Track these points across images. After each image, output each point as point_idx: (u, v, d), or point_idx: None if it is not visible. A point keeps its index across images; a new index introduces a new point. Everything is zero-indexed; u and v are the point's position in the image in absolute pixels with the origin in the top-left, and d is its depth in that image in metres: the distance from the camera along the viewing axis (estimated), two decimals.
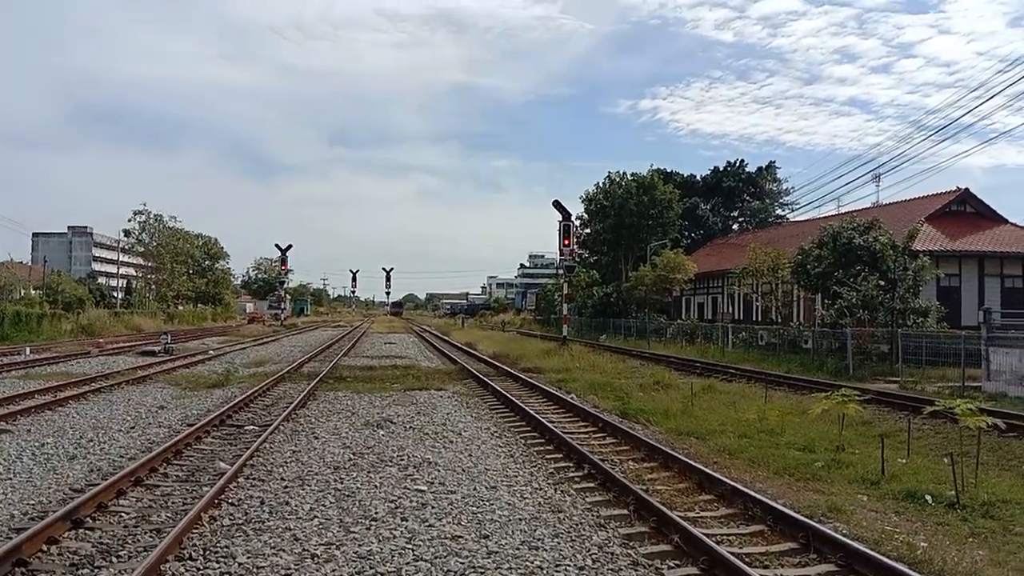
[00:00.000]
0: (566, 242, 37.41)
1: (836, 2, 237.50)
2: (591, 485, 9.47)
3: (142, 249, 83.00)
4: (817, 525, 7.33)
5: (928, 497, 9.05)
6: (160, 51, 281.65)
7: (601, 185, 65.54)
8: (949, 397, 12.05)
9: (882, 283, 27.12)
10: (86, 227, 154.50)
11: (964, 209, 40.02)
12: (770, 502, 8.10)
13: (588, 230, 67.45)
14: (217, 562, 6.39)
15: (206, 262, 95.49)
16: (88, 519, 7.46)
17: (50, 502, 8.22)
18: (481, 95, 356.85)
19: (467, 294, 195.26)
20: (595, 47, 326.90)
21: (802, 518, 7.53)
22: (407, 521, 7.67)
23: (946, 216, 38.79)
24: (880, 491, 9.56)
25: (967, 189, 40.53)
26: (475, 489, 9.10)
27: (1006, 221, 39.41)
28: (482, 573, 6.26)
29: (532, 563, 6.51)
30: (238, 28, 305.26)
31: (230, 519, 7.65)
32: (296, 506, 8.17)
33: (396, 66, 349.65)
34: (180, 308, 75.41)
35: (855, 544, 6.71)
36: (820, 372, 24.94)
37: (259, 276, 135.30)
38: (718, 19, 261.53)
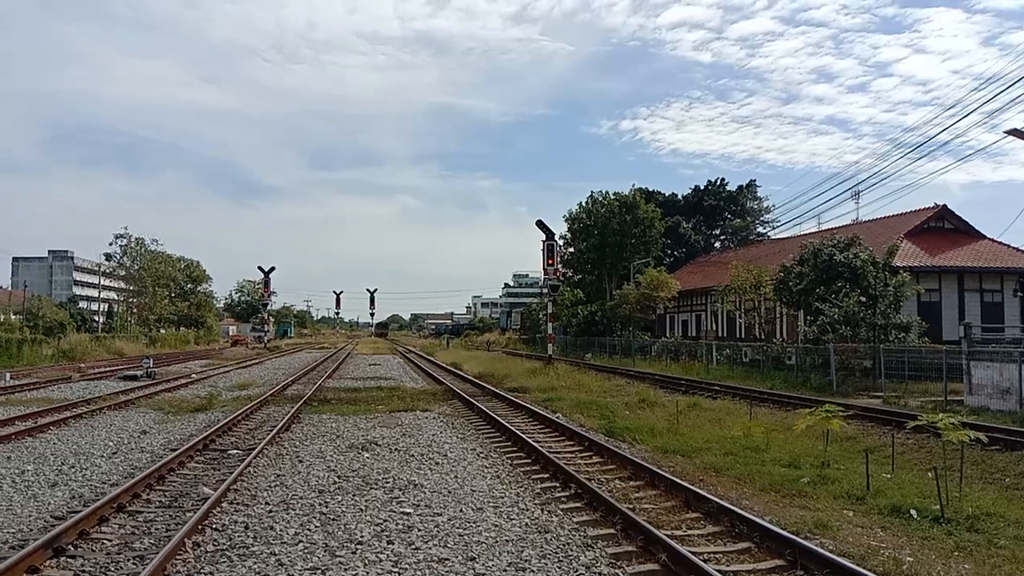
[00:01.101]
0: (550, 261, 37.47)
1: (813, 23, 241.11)
2: (578, 505, 9.45)
3: (123, 273, 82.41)
4: (803, 542, 7.34)
5: (913, 512, 9.09)
6: (140, 75, 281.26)
7: (584, 204, 65.93)
8: (932, 411, 12.13)
9: (863, 299, 27.31)
10: (67, 251, 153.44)
11: (943, 225, 40.48)
12: (756, 519, 8.11)
13: (572, 249, 67.71)
14: None
15: (188, 285, 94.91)
16: (70, 547, 7.36)
17: (31, 530, 8.11)
18: (462, 116, 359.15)
19: (452, 314, 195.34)
20: (575, 68, 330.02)
21: (788, 535, 7.54)
22: (393, 544, 7.62)
23: (925, 232, 39.23)
24: (865, 506, 9.59)
25: (945, 206, 41.07)
26: (461, 511, 9.06)
27: (984, 236, 39.87)
28: None
29: None
30: (218, 51, 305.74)
31: (214, 545, 7.57)
32: (281, 531, 8.10)
33: (377, 88, 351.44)
34: (162, 332, 74.78)
35: (841, 560, 6.73)
36: (804, 388, 25.04)
37: (242, 299, 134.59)
38: (696, 40, 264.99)
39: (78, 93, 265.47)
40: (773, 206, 74.26)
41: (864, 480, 10.54)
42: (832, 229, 41.41)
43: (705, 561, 6.90)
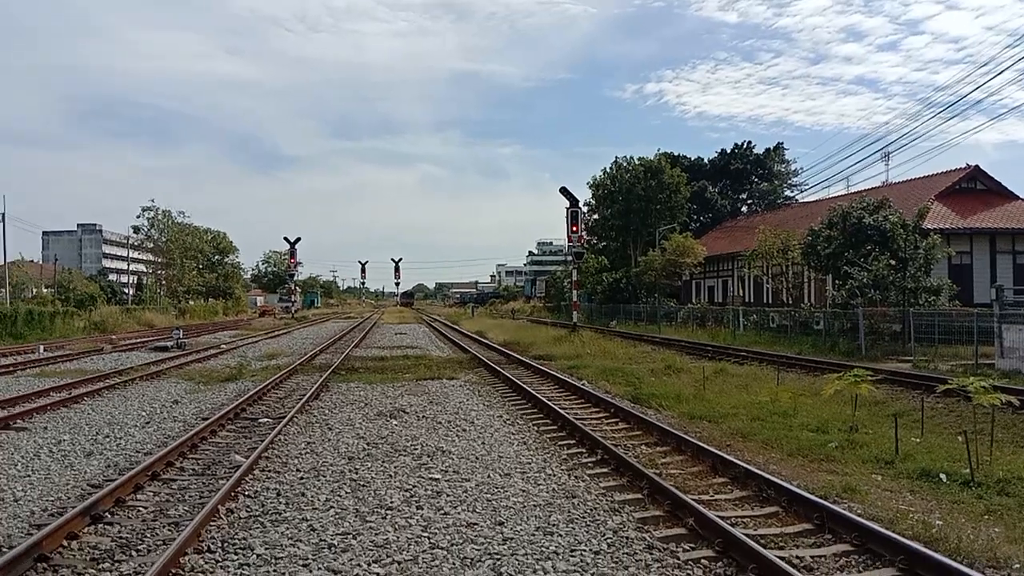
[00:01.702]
0: (574, 228, 37.37)
1: None
2: (604, 470, 9.49)
3: (151, 245, 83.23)
4: (831, 506, 7.33)
5: (943, 475, 9.04)
6: (163, 47, 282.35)
7: (608, 170, 65.40)
8: (962, 375, 12.04)
9: (893, 262, 26.99)
10: (95, 224, 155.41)
11: (975, 186, 39.77)
12: (784, 483, 8.10)
13: (596, 216, 67.37)
14: (235, 554, 6.44)
15: (216, 257, 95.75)
16: (107, 514, 7.53)
17: (68, 498, 8.29)
18: (484, 82, 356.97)
19: (476, 283, 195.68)
20: (599, 31, 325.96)
21: (816, 499, 7.53)
22: (422, 509, 7.71)
23: (956, 194, 38.56)
24: (894, 470, 9.55)
25: (977, 166, 40.29)
26: (489, 476, 9.14)
27: (1018, 197, 39.15)
28: (498, 559, 6.29)
29: (548, 548, 6.54)
30: (241, 21, 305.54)
31: (247, 511, 7.71)
32: (312, 497, 8.22)
33: (398, 55, 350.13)
34: (191, 303, 75.60)
35: (870, 524, 6.71)
36: (832, 353, 24.87)
37: (268, 269, 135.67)
38: (722, 0, 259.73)
39: (103, 68, 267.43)
40: (801, 169, 73.91)
41: (893, 444, 10.47)
42: (861, 192, 40.90)
43: (732, 525, 6.91)
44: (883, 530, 6.52)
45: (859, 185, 58.57)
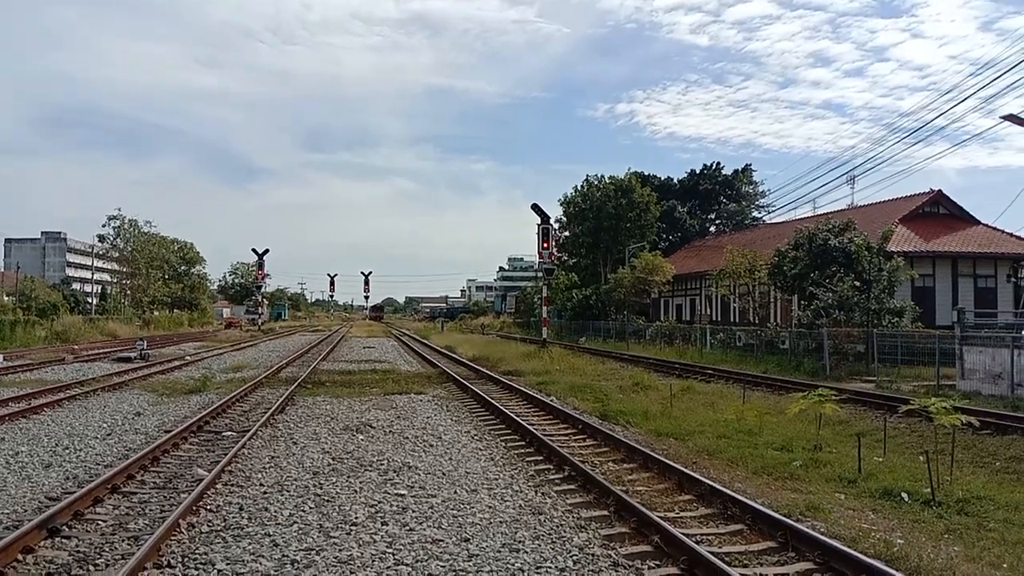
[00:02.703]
0: (545, 245, 37.42)
1: (810, 6, 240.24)
2: (571, 487, 9.49)
3: (117, 254, 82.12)
4: (795, 524, 7.39)
5: (904, 495, 9.16)
6: (136, 58, 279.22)
7: (579, 188, 65.87)
8: (924, 396, 12.19)
9: (857, 284, 27.38)
10: (60, 233, 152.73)
11: (937, 210, 40.51)
12: (749, 501, 8.15)
13: (567, 233, 67.66)
14: (196, 569, 6.34)
15: (182, 267, 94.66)
16: (64, 527, 7.37)
17: (25, 511, 8.11)
18: (457, 98, 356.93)
19: (446, 297, 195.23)
20: (572, 50, 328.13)
21: (780, 517, 7.59)
22: (387, 525, 7.65)
23: (920, 217, 39.26)
24: (857, 489, 9.65)
25: (940, 191, 41.05)
26: (455, 492, 9.09)
27: (978, 222, 39.91)
28: None
29: (513, 565, 6.51)
30: (214, 33, 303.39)
31: (208, 526, 7.59)
32: (275, 512, 8.12)
33: (372, 69, 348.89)
34: (156, 314, 74.57)
35: (832, 542, 6.77)
36: (797, 372, 25.14)
37: (236, 281, 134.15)
38: (693, 23, 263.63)
39: (74, 75, 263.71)
40: (769, 190, 74.68)
41: (856, 463, 10.60)
42: (827, 214, 41.40)
43: (697, 542, 6.95)
44: (846, 548, 6.58)
45: (825, 207, 59.41)
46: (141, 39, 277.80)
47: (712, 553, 6.58)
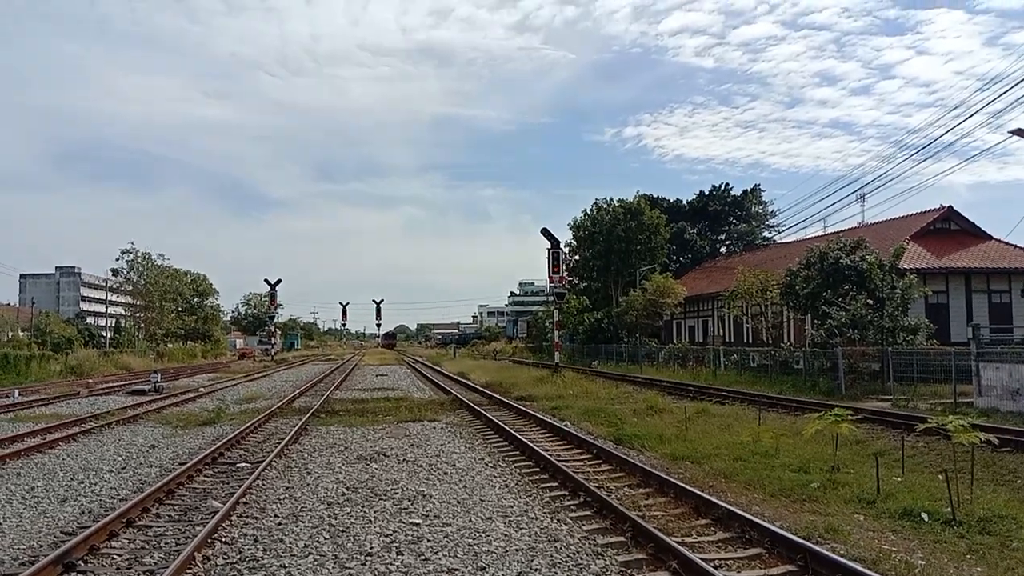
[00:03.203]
0: (555, 269, 37.49)
1: (815, 26, 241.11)
2: (587, 513, 9.42)
3: (130, 288, 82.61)
4: (815, 546, 7.31)
5: (924, 515, 9.04)
6: (146, 91, 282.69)
7: (588, 212, 65.95)
8: (941, 414, 12.10)
9: (870, 302, 27.24)
10: (73, 267, 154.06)
11: (949, 226, 40.37)
12: (767, 524, 8.08)
13: (577, 257, 67.68)
14: None
15: (195, 299, 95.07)
16: (80, 562, 7.37)
17: (41, 546, 8.12)
18: (465, 125, 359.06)
19: (458, 324, 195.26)
20: (578, 76, 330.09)
21: (799, 540, 7.51)
22: (403, 555, 7.61)
23: (931, 234, 39.13)
24: (876, 510, 9.55)
25: (951, 207, 40.93)
26: (470, 521, 9.04)
27: (990, 237, 39.75)
28: None
29: None
30: (223, 66, 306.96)
31: (224, 558, 7.57)
32: (290, 543, 8.09)
33: (380, 99, 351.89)
34: (169, 346, 74.87)
35: (853, 564, 6.69)
36: (812, 392, 24.96)
37: (248, 312, 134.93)
38: (698, 46, 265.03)
39: (85, 110, 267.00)
40: (778, 210, 74.67)
41: (874, 484, 10.49)
42: (838, 232, 41.38)
43: (716, 567, 6.88)
44: (866, 571, 6.50)
45: (836, 226, 59.51)
46: (149, 72, 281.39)
47: None
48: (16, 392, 28.57)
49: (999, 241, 39.18)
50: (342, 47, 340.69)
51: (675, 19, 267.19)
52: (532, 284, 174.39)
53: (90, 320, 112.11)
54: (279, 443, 15.17)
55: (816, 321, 30.69)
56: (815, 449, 13.45)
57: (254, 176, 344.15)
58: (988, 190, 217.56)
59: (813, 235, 50.22)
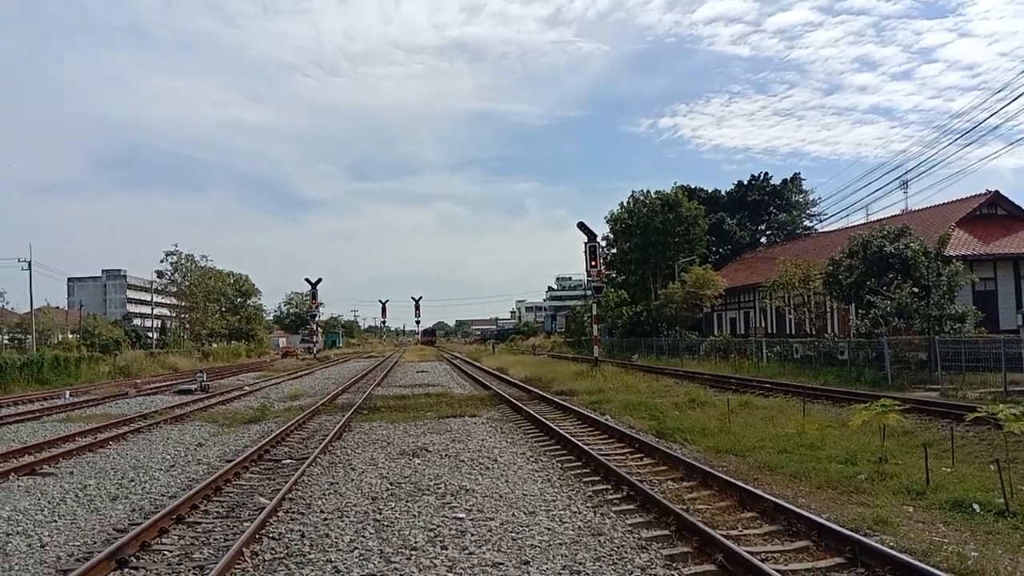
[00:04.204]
0: (592, 263, 37.34)
1: (853, 11, 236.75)
2: (631, 507, 9.39)
3: (175, 289, 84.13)
4: (863, 538, 7.21)
5: (976, 506, 8.87)
6: (185, 95, 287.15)
7: (625, 204, 65.60)
8: (991, 403, 11.84)
9: (916, 290, 26.75)
10: (120, 270, 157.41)
11: (995, 212, 39.42)
12: (814, 517, 7.98)
13: (614, 250, 67.38)
14: None
15: (238, 299, 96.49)
16: (132, 558, 7.53)
17: (94, 543, 8.31)
18: (499, 120, 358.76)
19: (496, 319, 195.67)
20: (612, 68, 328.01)
21: (848, 532, 7.41)
22: (447, 549, 7.65)
23: (977, 220, 38.25)
24: (926, 501, 9.38)
25: (997, 192, 39.93)
26: (514, 515, 9.06)
27: None
28: None
29: None
30: (259, 68, 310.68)
31: (271, 553, 7.68)
32: (336, 538, 8.18)
33: (414, 96, 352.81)
34: (214, 346, 76.18)
35: (904, 556, 6.59)
36: (858, 383, 24.58)
37: (290, 311, 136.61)
38: (734, 34, 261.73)
39: (125, 117, 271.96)
40: (819, 199, 73.62)
41: (924, 475, 10.30)
42: (881, 220, 40.62)
43: (763, 560, 6.81)
44: (918, 563, 6.39)
45: (878, 214, 58.18)
46: (187, 77, 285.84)
47: (779, 571, 6.45)
48: (68, 393, 29.27)
49: None
50: (376, 46, 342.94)
51: (709, 7, 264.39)
52: (569, 279, 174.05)
53: (136, 321, 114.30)
54: (323, 439, 15.35)
55: (860, 311, 30.21)
56: (862, 440, 13.25)
57: (291, 177, 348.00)
58: None
59: (856, 223, 49.37)
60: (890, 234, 29.63)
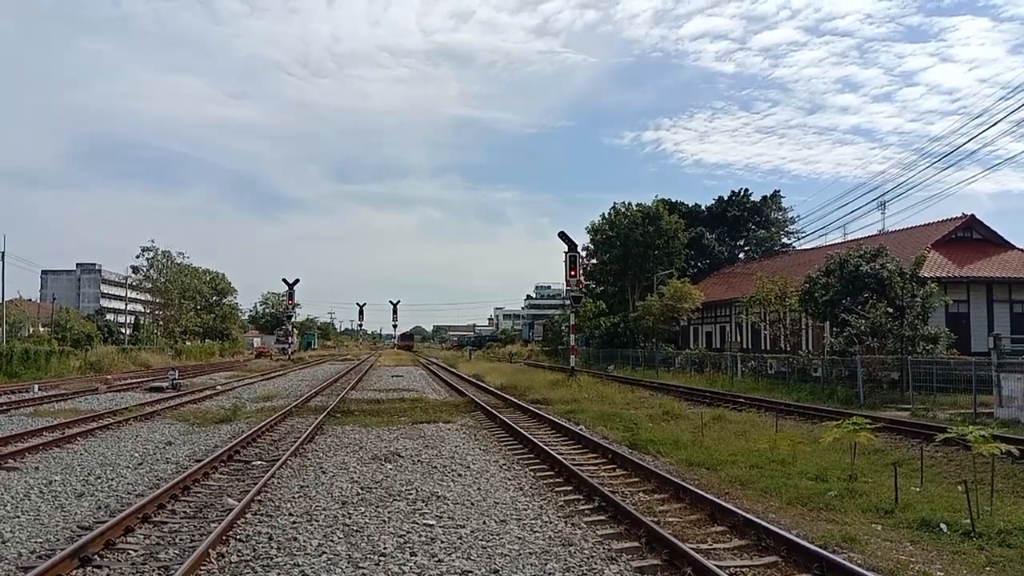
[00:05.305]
0: (572, 273, 37.40)
1: (837, 32, 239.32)
2: (602, 518, 9.38)
3: (150, 285, 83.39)
4: (832, 555, 7.23)
5: (943, 526, 8.94)
6: (167, 91, 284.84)
7: (606, 216, 65.89)
8: (961, 424, 11.95)
9: (890, 310, 27.01)
10: (94, 264, 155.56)
11: (970, 235, 39.97)
12: (783, 532, 8.01)
13: (594, 260, 67.62)
14: None
15: (213, 297, 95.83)
16: (96, 557, 7.42)
17: (58, 540, 8.18)
18: (484, 128, 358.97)
19: (474, 326, 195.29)
20: (597, 80, 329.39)
21: (816, 548, 7.44)
22: (416, 556, 7.60)
23: (953, 242, 38.75)
24: (894, 520, 9.45)
25: (973, 215, 40.50)
26: (484, 523, 9.02)
27: (1013, 246, 39.32)
28: None
29: None
30: (244, 66, 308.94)
31: (238, 555, 7.59)
32: (304, 541, 8.11)
33: (400, 101, 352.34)
34: (188, 344, 75.44)
35: (871, 574, 6.63)
36: (830, 400, 24.76)
37: (266, 311, 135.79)
38: (719, 51, 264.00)
39: (107, 109, 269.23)
40: (798, 217, 73.99)
41: (893, 493, 10.38)
42: (858, 240, 41.03)
43: (731, 575, 6.82)
44: None
45: (856, 233, 58.79)
46: (172, 72, 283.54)
47: None
48: (36, 387, 28.88)
49: (1021, 250, 38.74)
50: (362, 48, 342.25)
51: (696, 24, 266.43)
52: (548, 287, 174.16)
53: (110, 317, 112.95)
54: (295, 442, 15.23)
55: (835, 329, 30.46)
56: (833, 458, 13.34)
57: (273, 176, 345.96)
58: (1011, 199, 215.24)
59: (833, 242, 49.91)
60: (867, 254, 29.90)
